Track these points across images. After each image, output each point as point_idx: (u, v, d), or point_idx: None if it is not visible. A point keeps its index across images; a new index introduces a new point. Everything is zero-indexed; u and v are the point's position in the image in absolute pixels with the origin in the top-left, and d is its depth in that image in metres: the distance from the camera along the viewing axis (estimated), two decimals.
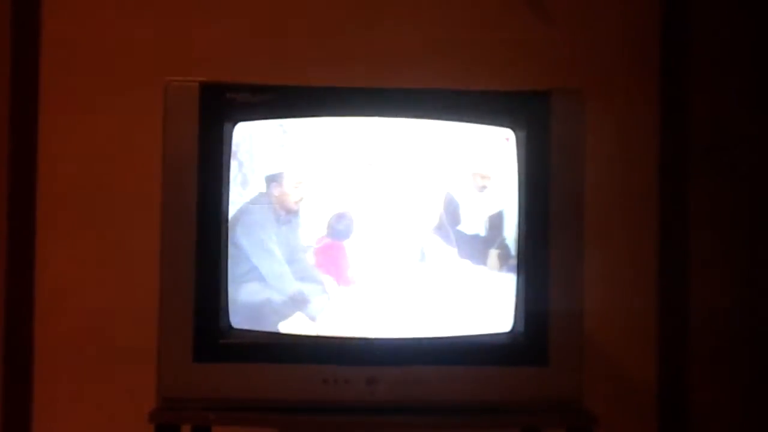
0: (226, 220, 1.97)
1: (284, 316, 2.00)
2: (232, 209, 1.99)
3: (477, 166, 2.04)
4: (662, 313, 2.63)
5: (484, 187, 2.04)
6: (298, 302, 2.00)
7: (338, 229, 2.02)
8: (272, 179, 2.01)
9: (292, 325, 1.99)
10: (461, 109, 2.02)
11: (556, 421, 1.99)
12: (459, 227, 2.04)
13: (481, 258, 2.03)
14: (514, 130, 2.02)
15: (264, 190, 2.01)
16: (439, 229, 2.03)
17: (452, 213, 2.03)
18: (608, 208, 2.57)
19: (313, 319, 2.00)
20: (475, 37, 2.63)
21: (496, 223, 2.04)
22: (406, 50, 2.59)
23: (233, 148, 1.99)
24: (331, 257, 2.02)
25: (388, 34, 2.61)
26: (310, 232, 2.02)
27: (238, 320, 1.97)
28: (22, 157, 2.60)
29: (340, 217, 2.02)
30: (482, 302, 2.02)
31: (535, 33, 2.63)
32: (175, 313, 1.94)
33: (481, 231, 2.04)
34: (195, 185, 1.95)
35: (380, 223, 2.03)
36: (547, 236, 1.99)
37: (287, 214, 2.01)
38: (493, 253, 2.04)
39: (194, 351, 1.94)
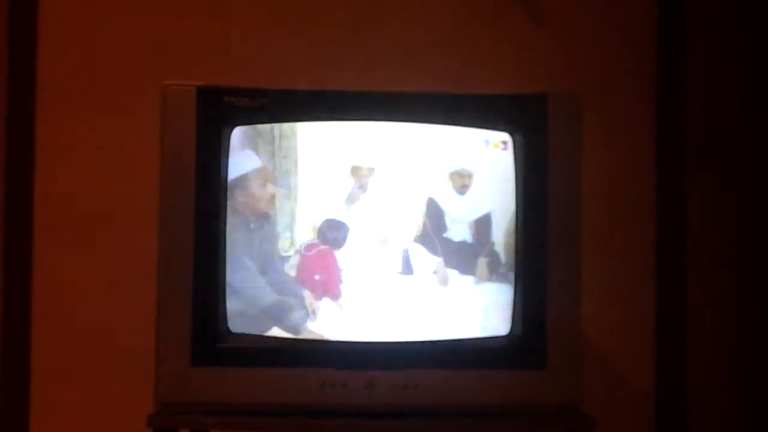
0: (225, 224, 1.97)
1: (279, 321, 2.00)
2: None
3: (455, 165, 2.02)
4: (660, 316, 2.63)
5: (465, 186, 2.02)
6: (275, 315, 1.98)
7: (331, 237, 2.01)
8: (235, 184, 1.98)
9: (295, 327, 1.99)
10: (458, 113, 2.02)
11: (555, 424, 1.99)
12: (445, 235, 2.02)
13: (469, 267, 2.02)
14: (511, 134, 2.02)
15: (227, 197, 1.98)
16: (424, 237, 2.02)
17: (437, 220, 2.02)
18: (605, 211, 2.57)
19: (296, 332, 1.99)
20: (472, 40, 2.63)
21: (483, 228, 2.03)
22: (403, 53, 2.59)
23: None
24: (323, 264, 2.01)
25: (385, 37, 2.61)
26: (289, 239, 1.99)
27: (236, 324, 1.97)
28: (19, 160, 2.60)
29: (333, 223, 2.01)
30: (471, 315, 2.01)
31: (532, 36, 2.63)
32: (173, 317, 1.94)
33: (468, 237, 2.03)
34: (193, 189, 1.95)
35: (367, 230, 2.01)
36: (545, 239, 1.99)
37: (258, 219, 1.99)
38: (482, 262, 2.02)
39: (192, 355, 1.94)
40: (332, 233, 2.00)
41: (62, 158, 2.60)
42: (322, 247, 2.00)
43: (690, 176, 2.65)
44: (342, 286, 2.00)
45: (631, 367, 2.63)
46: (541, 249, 1.99)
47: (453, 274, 2.02)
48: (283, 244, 2.00)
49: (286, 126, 2.00)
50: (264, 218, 1.99)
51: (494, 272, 2.02)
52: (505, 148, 2.03)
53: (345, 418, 1.96)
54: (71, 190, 2.59)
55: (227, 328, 1.97)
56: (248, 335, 1.97)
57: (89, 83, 2.61)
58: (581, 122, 2.02)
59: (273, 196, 1.99)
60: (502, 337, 2.00)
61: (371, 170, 2.00)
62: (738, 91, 2.67)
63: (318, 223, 2.00)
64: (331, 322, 1.99)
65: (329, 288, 2.00)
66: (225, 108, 1.97)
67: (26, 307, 2.59)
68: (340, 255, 2.00)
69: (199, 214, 1.96)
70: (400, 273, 2.01)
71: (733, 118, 2.67)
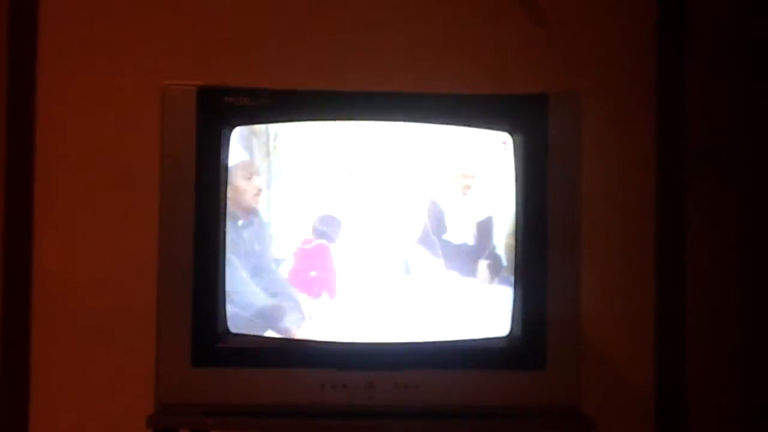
0: (224, 224, 1.96)
1: (274, 325, 1.99)
2: None
3: (458, 166, 2.01)
4: (660, 316, 2.63)
5: (468, 187, 2.01)
6: (269, 318, 1.97)
7: (322, 231, 1.99)
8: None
9: (290, 330, 1.99)
10: (458, 113, 2.02)
11: (554, 424, 1.99)
12: (445, 236, 2.01)
13: (470, 270, 2.01)
14: (511, 134, 2.02)
15: None
16: (424, 238, 2.00)
17: (437, 221, 2.00)
18: (606, 211, 2.57)
19: (293, 334, 1.98)
20: (471, 40, 2.63)
21: (485, 230, 2.01)
22: (404, 54, 2.59)
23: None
24: (319, 260, 1.99)
25: (385, 38, 2.61)
26: (283, 237, 1.97)
27: (236, 325, 1.97)
28: (19, 159, 2.60)
29: (326, 218, 2.00)
30: (471, 317, 2.00)
31: (532, 36, 2.63)
32: (173, 317, 1.94)
33: (470, 239, 2.02)
34: (193, 189, 1.95)
35: (366, 231, 1.99)
36: (545, 239, 1.99)
37: (247, 216, 1.98)
38: (483, 264, 2.01)
39: (192, 356, 1.94)
40: (323, 227, 1.98)
41: (62, 158, 2.60)
42: (318, 241, 1.99)
43: (690, 176, 2.65)
44: (339, 284, 1.99)
45: (631, 367, 2.63)
46: (541, 249, 1.99)
47: (454, 276, 2.01)
48: (277, 246, 1.99)
49: (281, 124, 1.99)
50: (252, 214, 1.98)
51: (496, 275, 2.01)
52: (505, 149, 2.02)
53: (345, 419, 1.96)
54: (71, 189, 2.59)
55: (227, 328, 1.97)
56: (248, 336, 1.97)
57: (89, 83, 2.61)
58: (581, 122, 2.02)
59: (259, 191, 1.98)
60: (502, 337, 2.00)
61: (370, 170, 2.00)
62: (738, 91, 2.67)
63: (314, 219, 1.99)
64: (330, 322, 1.99)
65: (325, 285, 1.99)
66: (225, 108, 1.97)
67: (26, 307, 2.59)
68: (336, 252, 1.99)
69: (199, 215, 1.95)
70: (399, 275, 2.00)
71: (733, 118, 2.67)
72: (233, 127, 1.97)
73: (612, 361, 2.61)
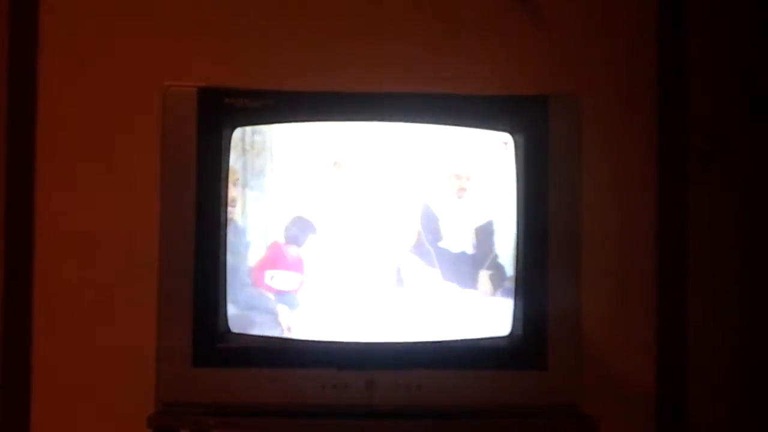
0: (225, 225, 1.96)
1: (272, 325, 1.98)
2: None
3: (451, 166, 1.97)
4: (660, 316, 2.63)
5: (463, 189, 1.97)
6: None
7: (293, 234, 1.95)
8: None
9: (289, 331, 1.99)
10: (459, 114, 2.01)
11: (556, 424, 1.99)
12: (441, 244, 1.97)
13: (470, 281, 1.97)
14: (512, 135, 2.02)
15: None
16: (418, 247, 1.96)
17: (431, 227, 1.95)
18: (606, 212, 2.57)
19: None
20: (472, 41, 2.63)
21: (485, 236, 1.97)
22: (403, 55, 2.59)
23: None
24: (275, 259, 1.95)
25: (385, 39, 2.61)
26: (263, 248, 1.94)
27: (236, 325, 1.97)
28: (19, 159, 2.60)
29: (297, 220, 1.96)
30: (471, 329, 1.97)
31: (533, 38, 2.63)
32: (174, 317, 1.94)
33: (468, 247, 1.99)
34: (194, 190, 1.95)
35: (355, 238, 1.94)
36: (546, 239, 1.99)
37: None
38: (485, 275, 1.97)
39: (193, 356, 1.94)
40: (294, 229, 1.95)
41: (62, 158, 2.60)
42: (281, 243, 1.95)
43: (690, 177, 2.65)
44: (296, 279, 1.96)
45: (632, 367, 2.63)
46: (542, 249, 1.98)
47: (452, 288, 1.98)
48: (254, 254, 1.97)
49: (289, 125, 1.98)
50: (229, 224, 1.97)
51: (499, 287, 1.97)
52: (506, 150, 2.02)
53: (346, 419, 1.96)
54: (72, 190, 2.59)
55: (228, 328, 1.97)
56: (249, 335, 1.97)
57: (89, 83, 2.61)
58: (582, 123, 2.02)
59: (234, 200, 1.97)
60: (504, 337, 2.00)
61: (359, 172, 1.98)
62: (738, 91, 2.67)
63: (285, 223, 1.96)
64: (328, 322, 1.98)
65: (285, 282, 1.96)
66: (226, 109, 1.97)
67: (26, 307, 2.58)
68: (305, 256, 1.95)
69: (200, 215, 1.96)
70: (392, 286, 1.97)
71: (733, 119, 2.67)
72: (234, 128, 1.97)
73: (613, 360, 2.61)
